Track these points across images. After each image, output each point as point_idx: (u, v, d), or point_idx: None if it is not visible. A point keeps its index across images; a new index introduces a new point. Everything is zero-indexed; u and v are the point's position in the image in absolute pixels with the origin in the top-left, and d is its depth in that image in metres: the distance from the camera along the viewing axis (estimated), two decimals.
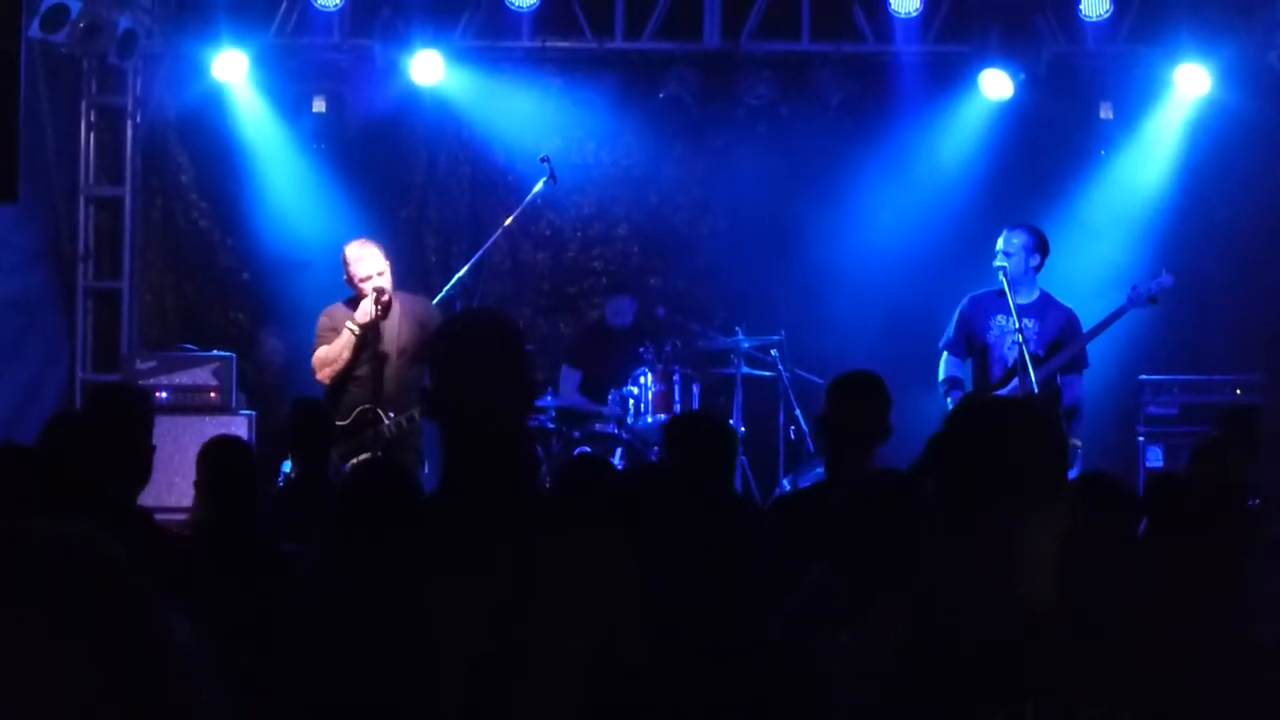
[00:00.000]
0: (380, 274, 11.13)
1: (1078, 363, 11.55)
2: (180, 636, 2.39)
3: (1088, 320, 11.64)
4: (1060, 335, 11.52)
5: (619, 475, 6.82)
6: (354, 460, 10.44)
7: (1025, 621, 3.11)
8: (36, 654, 2.24)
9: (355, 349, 11.12)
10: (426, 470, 11.49)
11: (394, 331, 11.17)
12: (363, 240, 11.47)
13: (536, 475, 10.32)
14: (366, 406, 11.02)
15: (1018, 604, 3.14)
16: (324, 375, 11.28)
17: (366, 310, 11.01)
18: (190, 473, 7.30)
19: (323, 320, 11.41)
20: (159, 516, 7.34)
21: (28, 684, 2.23)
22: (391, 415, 10.99)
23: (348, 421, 11.00)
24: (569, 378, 13.81)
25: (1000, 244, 11.49)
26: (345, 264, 11.28)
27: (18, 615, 2.25)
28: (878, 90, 14.35)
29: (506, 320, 4.29)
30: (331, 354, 11.21)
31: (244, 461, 7.13)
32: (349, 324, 11.08)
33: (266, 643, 5.50)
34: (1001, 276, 11.32)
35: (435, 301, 11.76)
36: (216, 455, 7.13)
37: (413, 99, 14.32)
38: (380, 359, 11.13)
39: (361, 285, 11.16)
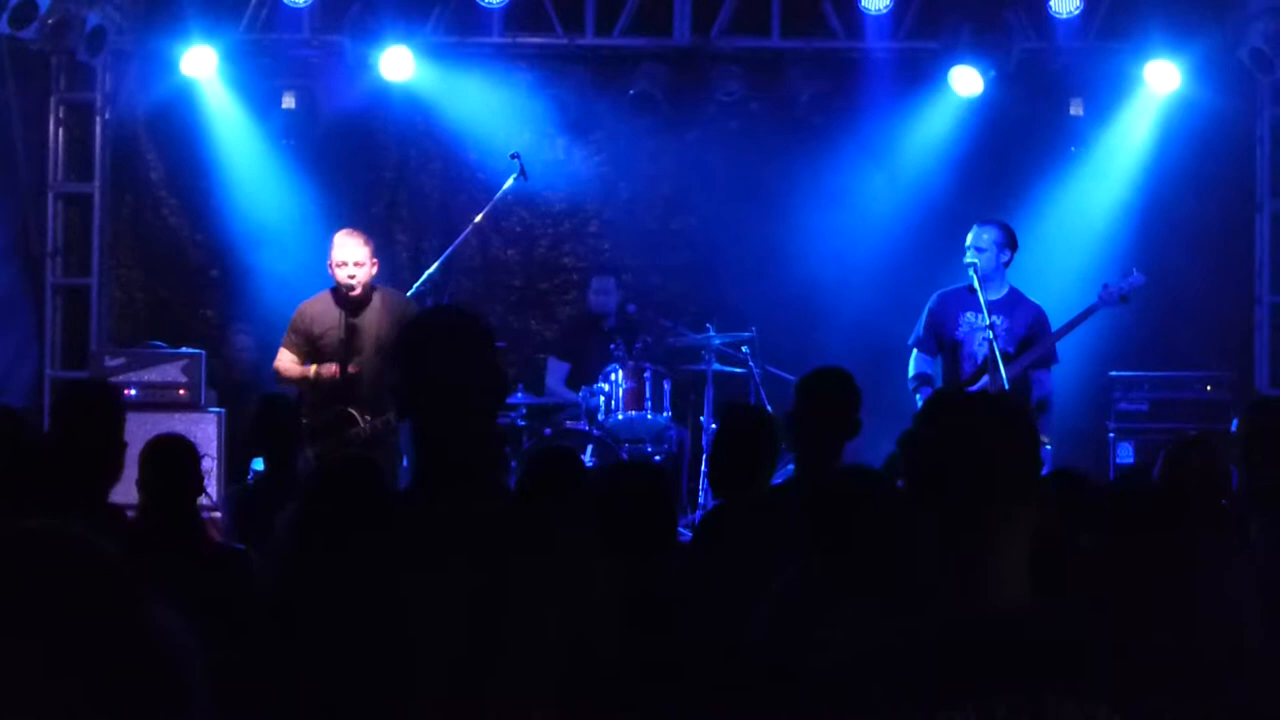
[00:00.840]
0: (357, 264, 11.12)
1: (1047, 359, 11.57)
2: (169, 630, 2.39)
3: (1056, 317, 11.64)
4: (1030, 332, 11.53)
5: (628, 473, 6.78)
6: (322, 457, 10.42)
7: (996, 618, 3.11)
8: (29, 647, 2.23)
9: (334, 346, 11.09)
10: (406, 465, 11.45)
11: (373, 329, 11.13)
12: (349, 229, 11.46)
13: (502, 473, 10.27)
14: (342, 408, 10.99)
15: (989, 601, 3.13)
16: (280, 383, 11.32)
17: (330, 372, 10.99)
18: None
19: (294, 318, 11.40)
20: (129, 514, 7.33)
21: (20, 676, 2.22)
22: (368, 418, 10.94)
23: (323, 421, 10.97)
24: (556, 370, 13.79)
25: (970, 239, 11.51)
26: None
27: (11, 609, 2.25)
28: (848, 87, 14.34)
29: (474, 316, 4.26)
30: (289, 375, 11.18)
31: (184, 461, 7.07)
32: (314, 368, 11.08)
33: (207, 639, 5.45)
34: (972, 273, 11.34)
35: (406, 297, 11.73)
36: (154, 456, 7.08)
37: (383, 95, 14.30)
38: (358, 355, 11.10)
39: (334, 272, 11.16)
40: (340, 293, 11.18)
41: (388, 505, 4.35)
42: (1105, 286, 11.70)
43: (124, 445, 6.33)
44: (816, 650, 4.10)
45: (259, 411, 9.63)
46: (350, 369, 11.10)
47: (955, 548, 3.15)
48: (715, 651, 5.30)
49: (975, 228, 11.58)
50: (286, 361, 11.34)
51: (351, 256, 11.12)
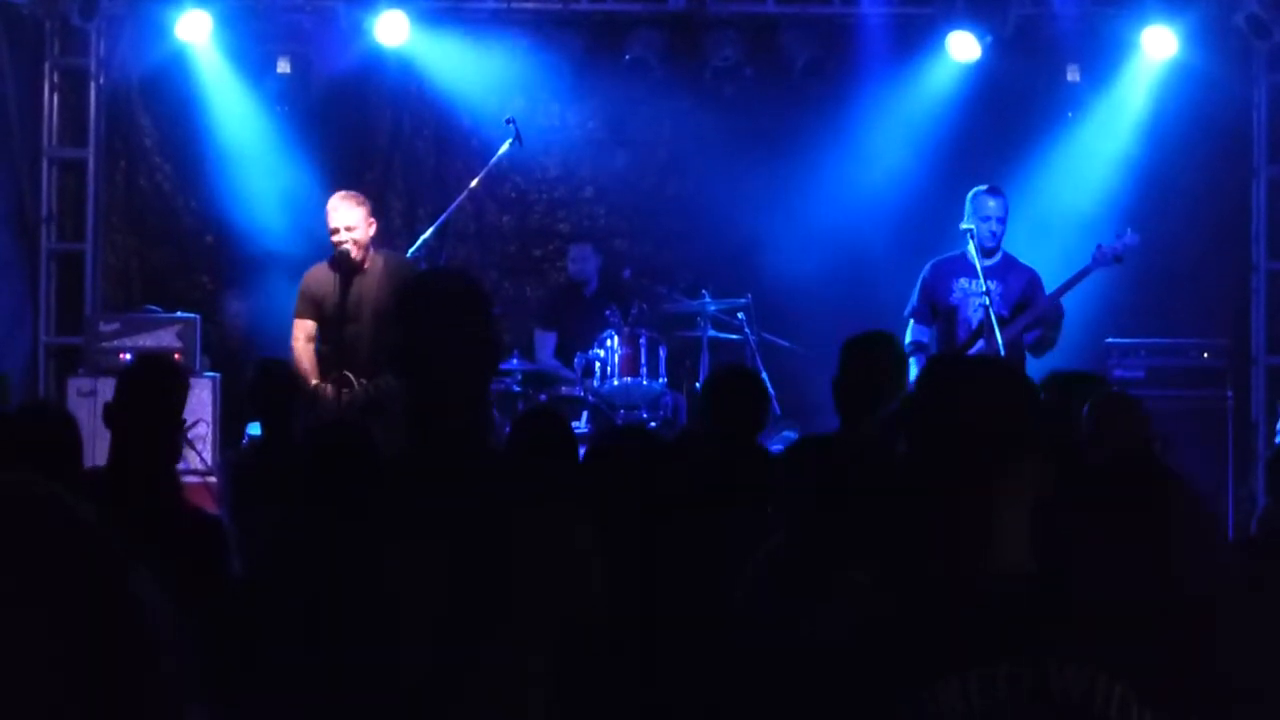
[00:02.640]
0: (349, 229, 11.00)
1: (1043, 320, 11.50)
2: (147, 594, 2.37)
3: (1052, 283, 11.63)
4: (1024, 295, 11.53)
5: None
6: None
7: (997, 583, 3.10)
8: (7, 610, 2.22)
9: (332, 311, 11.03)
10: None
11: (371, 293, 11.00)
12: (344, 192, 11.37)
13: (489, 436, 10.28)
14: (339, 373, 10.94)
15: (989, 566, 3.12)
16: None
17: (327, 396, 10.95)
18: None
19: (301, 286, 11.30)
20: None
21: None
22: (364, 381, 10.89)
23: (321, 384, 10.93)
24: (543, 341, 13.77)
25: (992, 208, 11.46)
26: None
27: None
28: (844, 52, 14.31)
29: (471, 280, 4.26)
30: (299, 368, 11.02)
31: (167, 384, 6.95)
32: (316, 383, 11.00)
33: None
34: (969, 238, 11.32)
35: None
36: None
37: (377, 60, 14.26)
38: (357, 321, 11.02)
39: (332, 238, 11.07)
40: (341, 258, 11.09)
41: (376, 473, 4.33)
42: (1099, 247, 11.69)
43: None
44: (809, 619, 4.07)
45: (255, 376, 9.58)
46: (347, 333, 11.04)
47: (954, 511, 3.14)
48: (707, 621, 5.30)
49: (983, 197, 11.52)
50: (300, 345, 11.17)
51: (343, 221, 11.01)
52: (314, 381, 10.97)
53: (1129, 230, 11.72)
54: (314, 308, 11.17)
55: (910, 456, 3.22)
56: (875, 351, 7.01)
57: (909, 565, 3.23)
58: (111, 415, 6.48)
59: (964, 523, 3.13)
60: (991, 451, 3.12)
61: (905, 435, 3.27)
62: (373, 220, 11.17)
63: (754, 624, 5.06)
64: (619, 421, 12.67)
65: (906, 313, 11.75)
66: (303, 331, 11.22)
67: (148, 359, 8.65)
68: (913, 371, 11.44)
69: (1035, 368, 11.13)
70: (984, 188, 11.65)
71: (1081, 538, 4.44)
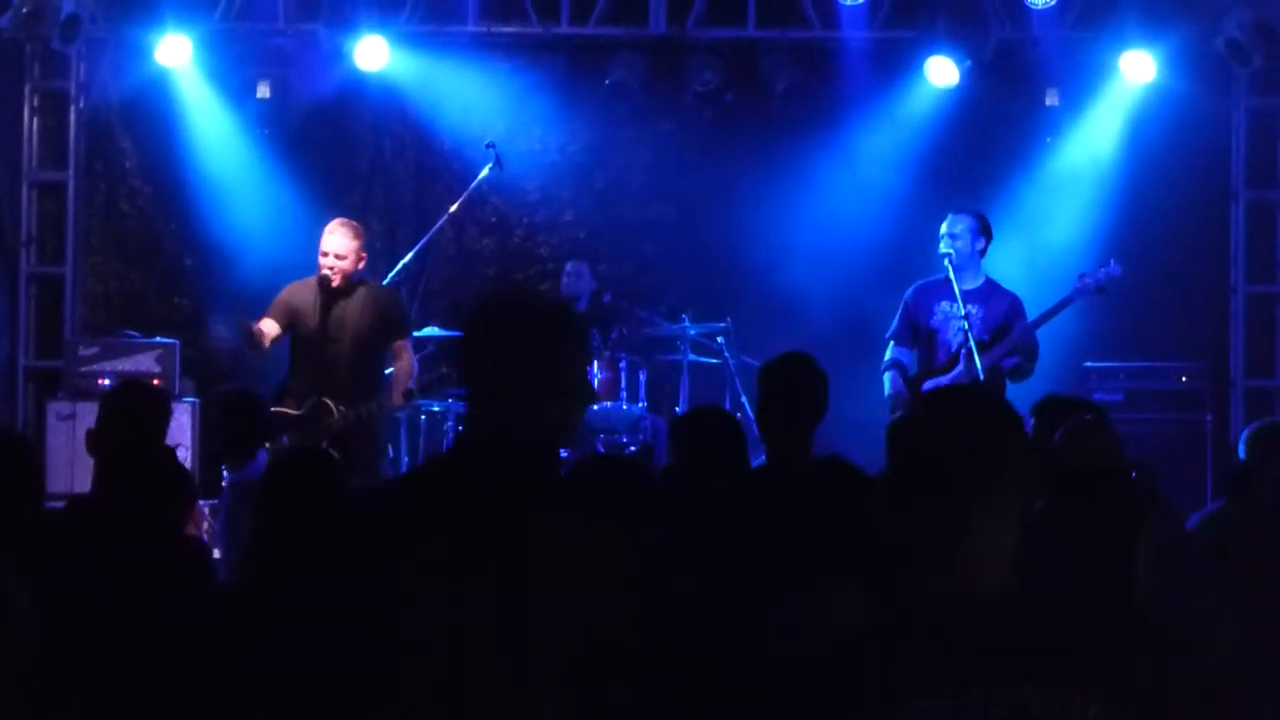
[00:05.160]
0: (339, 257, 10.98)
1: (1022, 348, 11.50)
2: (13, 594, 2.40)
3: (1032, 308, 11.62)
4: (1005, 320, 11.51)
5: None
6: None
7: (978, 604, 3.10)
8: None
9: (309, 332, 10.99)
10: (391, 456, 11.42)
11: (354, 319, 10.98)
12: (345, 220, 11.30)
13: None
14: (318, 398, 10.89)
15: (972, 590, 3.12)
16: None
17: (252, 333, 10.87)
18: None
19: (280, 295, 11.21)
20: None
21: None
22: (343, 408, 10.85)
23: (300, 411, 10.89)
24: None
25: (945, 228, 11.50)
26: None
27: None
28: (824, 77, 14.34)
29: (567, 308, 4.18)
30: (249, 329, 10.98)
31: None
32: (253, 325, 10.94)
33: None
34: (947, 263, 11.32)
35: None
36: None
37: (358, 84, 14.27)
38: (337, 343, 10.99)
39: (320, 259, 11.04)
40: (321, 282, 11.07)
41: (342, 498, 4.31)
42: (1082, 277, 11.67)
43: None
44: (787, 637, 4.08)
45: (219, 412, 9.43)
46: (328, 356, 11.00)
47: (938, 533, 3.14)
48: (691, 642, 5.29)
49: (950, 216, 11.56)
50: (266, 323, 11.12)
51: (334, 248, 10.99)
52: (264, 334, 10.93)
53: (1112, 261, 11.70)
54: (286, 316, 11.08)
55: (891, 476, 3.24)
56: (792, 372, 6.99)
57: (891, 588, 3.24)
58: (94, 441, 6.48)
59: (946, 543, 3.14)
60: (971, 472, 3.13)
61: (891, 457, 3.28)
62: (364, 255, 11.13)
63: (735, 644, 5.07)
64: (599, 446, 12.66)
65: (888, 335, 11.75)
66: (266, 327, 11.06)
67: (129, 384, 8.61)
68: (886, 387, 11.52)
69: (1033, 392, 11.17)
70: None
71: (1055, 554, 4.46)
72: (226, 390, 10.24)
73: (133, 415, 6.93)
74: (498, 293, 4.84)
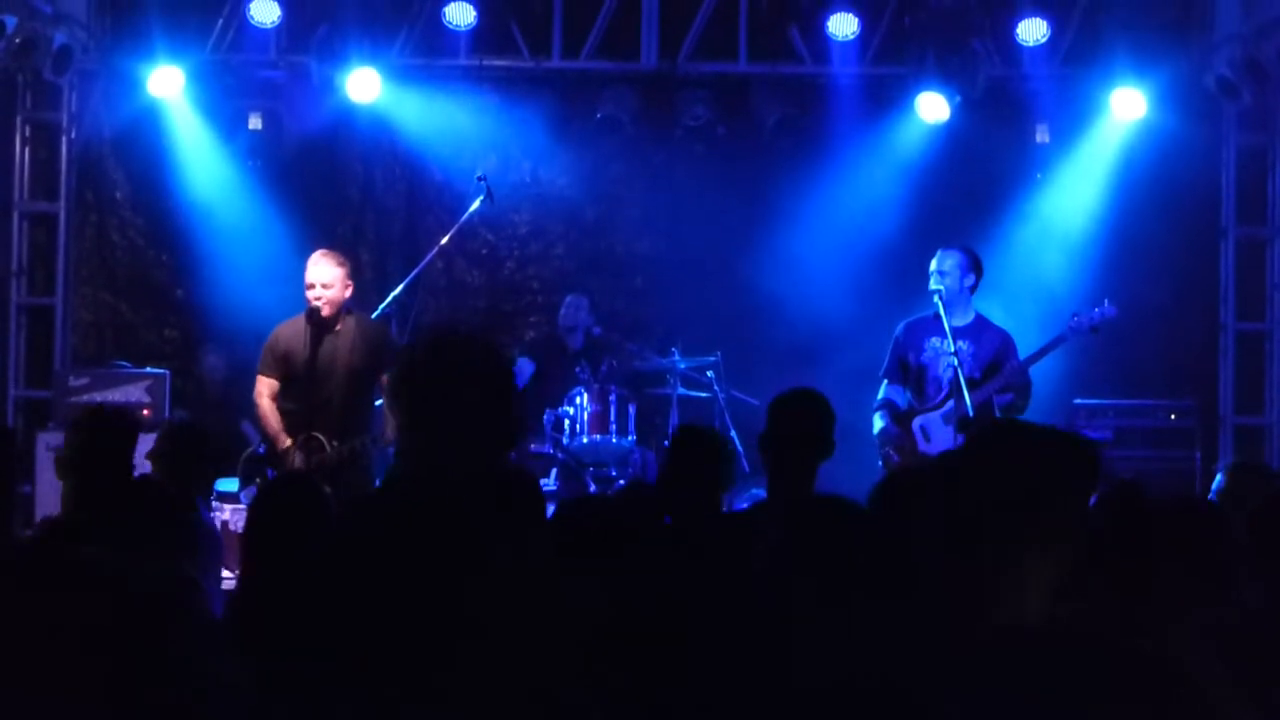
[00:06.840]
0: (325, 286, 10.95)
1: (1013, 386, 11.47)
2: None
3: (1022, 344, 11.60)
4: (995, 357, 11.50)
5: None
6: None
7: (1008, 638, 3.09)
8: None
9: (301, 369, 10.97)
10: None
11: (344, 354, 10.96)
12: (326, 250, 11.32)
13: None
14: (308, 433, 10.85)
15: (1002, 618, 3.12)
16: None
17: (290, 460, 10.85)
18: None
19: (269, 342, 11.16)
20: None
21: None
22: (335, 443, 10.82)
23: (290, 446, 10.85)
24: (523, 368, 13.62)
25: (935, 264, 11.49)
26: None
27: None
28: (814, 112, 14.35)
29: (497, 355, 4.29)
30: (264, 426, 10.99)
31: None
32: (288, 443, 10.91)
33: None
34: (937, 299, 11.31)
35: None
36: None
37: (349, 116, 14.29)
38: (329, 380, 10.96)
39: (307, 293, 11.01)
40: (311, 314, 11.04)
41: (329, 528, 4.32)
42: (1075, 316, 11.62)
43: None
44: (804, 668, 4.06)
45: (162, 441, 9.11)
46: (318, 392, 10.97)
47: (979, 572, 3.14)
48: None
49: (939, 253, 11.56)
50: (266, 403, 11.04)
51: (319, 278, 10.96)
52: (286, 442, 10.89)
53: (1106, 301, 11.63)
54: (281, 365, 11.07)
55: (942, 521, 3.24)
56: (801, 408, 6.99)
57: (917, 615, 3.24)
58: (62, 466, 6.49)
59: (985, 575, 3.14)
60: (1027, 526, 3.13)
61: (945, 496, 3.27)
62: (350, 282, 11.09)
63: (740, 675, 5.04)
64: (588, 479, 12.65)
65: (881, 372, 11.75)
66: (267, 389, 11.09)
67: (93, 410, 8.53)
68: (875, 425, 11.52)
69: None
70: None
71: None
72: (170, 420, 10.15)
73: (98, 440, 6.92)
74: (429, 334, 4.94)
